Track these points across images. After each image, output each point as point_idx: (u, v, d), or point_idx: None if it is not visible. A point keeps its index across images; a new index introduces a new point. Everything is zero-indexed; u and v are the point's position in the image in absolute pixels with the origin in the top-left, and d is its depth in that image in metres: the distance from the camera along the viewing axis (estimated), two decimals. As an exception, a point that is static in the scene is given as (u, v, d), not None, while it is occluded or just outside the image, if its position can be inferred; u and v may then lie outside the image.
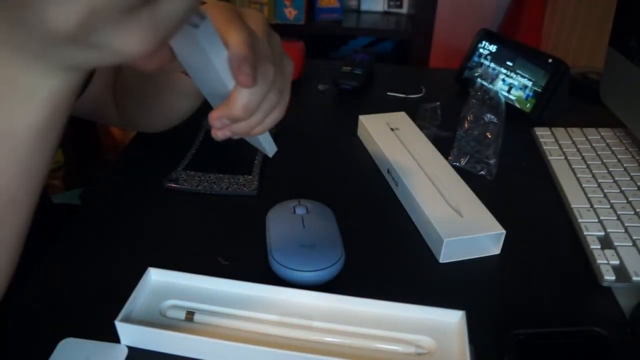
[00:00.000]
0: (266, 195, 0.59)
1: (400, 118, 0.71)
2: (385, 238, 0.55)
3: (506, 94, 0.78)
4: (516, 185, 0.64)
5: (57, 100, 0.30)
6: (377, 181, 0.64)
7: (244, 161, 0.64)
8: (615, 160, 0.65)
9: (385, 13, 1.69)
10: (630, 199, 0.58)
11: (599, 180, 0.61)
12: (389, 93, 0.86)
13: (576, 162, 0.65)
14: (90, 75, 0.55)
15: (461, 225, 0.52)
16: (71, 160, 1.48)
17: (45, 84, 0.29)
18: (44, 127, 0.30)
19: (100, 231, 0.54)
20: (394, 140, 0.66)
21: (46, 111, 0.29)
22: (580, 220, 0.55)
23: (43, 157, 0.31)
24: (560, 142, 0.69)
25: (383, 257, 0.52)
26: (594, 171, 0.63)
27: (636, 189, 0.60)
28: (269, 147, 0.48)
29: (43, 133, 0.30)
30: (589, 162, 0.65)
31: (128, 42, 0.25)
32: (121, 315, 0.41)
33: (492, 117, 0.63)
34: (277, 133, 0.72)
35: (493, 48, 0.81)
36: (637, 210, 0.56)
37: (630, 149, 0.68)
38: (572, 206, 0.57)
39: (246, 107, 0.36)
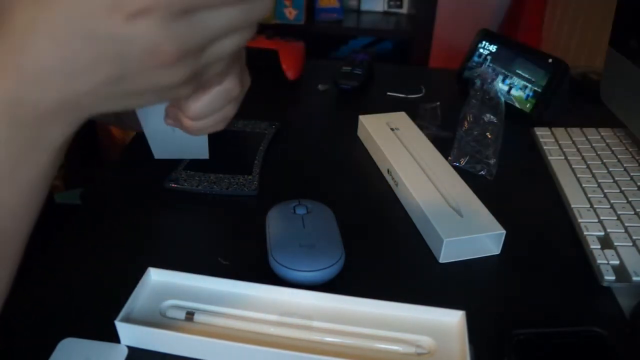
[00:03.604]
0: (266, 195, 0.59)
1: (400, 118, 0.71)
2: (385, 238, 0.55)
3: (506, 94, 0.78)
4: (516, 185, 0.64)
5: (63, 147, 0.30)
6: (377, 181, 0.64)
7: (244, 161, 0.64)
8: (615, 160, 0.65)
9: (385, 13, 1.69)
10: (630, 199, 0.58)
11: (599, 180, 0.61)
12: (389, 93, 0.86)
13: (576, 162, 0.65)
14: None
15: (461, 225, 0.52)
16: (71, 160, 1.48)
17: (64, 134, 0.29)
18: (49, 170, 0.30)
19: (100, 231, 0.54)
20: (394, 140, 0.66)
21: (52, 159, 0.30)
22: (580, 220, 0.55)
23: (41, 196, 0.31)
24: (560, 142, 0.69)
25: (383, 257, 0.52)
26: (594, 171, 0.63)
27: (636, 189, 0.60)
28: (203, 151, 0.48)
29: (46, 175, 0.30)
30: (589, 162, 0.65)
31: (187, 91, 0.29)
32: (121, 315, 0.41)
33: (492, 117, 0.63)
34: (277, 133, 0.72)
35: (493, 48, 0.81)
36: (637, 210, 0.56)
37: (630, 149, 0.68)
38: (572, 206, 0.57)
39: (198, 115, 0.36)
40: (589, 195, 0.59)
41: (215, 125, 0.38)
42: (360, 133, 0.72)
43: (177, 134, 0.44)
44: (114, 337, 0.41)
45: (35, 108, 0.26)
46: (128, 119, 0.64)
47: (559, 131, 0.72)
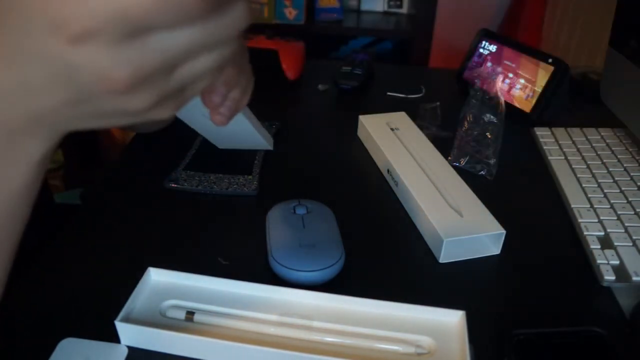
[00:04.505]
0: (266, 195, 0.59)
1: (400, 118, 0.71)
2: (385, 238, 0.55)
3: (506, 94, 0.78)
4: (516, 186, 0.64)
5: (44, 160, 0.29)
6: (377, 181, 0.64)
7: (244, 161, 0.64)
8: (615, 160, 0.65)
9: (385, 13, 1.69)
10: (630, 199, 0.58)
11: (599, 180, 0.61)
12: (389, 93, 0.86)
13: (576, 162, 0.65)
14: None
15: (461, 225, 0.52)
16: (71, 160, 1.48)
17: (41, 148, 0.28)
18: (30, 184, 0.30)
19: (100, 231, 0.54)
20: (394, 140, 0.66)
21: (33, 172, 0.29)
22: (580, 220, 0.55)
23: (25, 209, 0.31)
24: (560, 142, 0.69)
25: (383, 257, 0.52)
26: (594, 171, 0.63)
27: (636, 189, 0.60)
28: (266, 139, 0.48)
29: (28, 190, 0.30)
30: (589, 162, 0.65)
31: (166, 112, 0.27)
32: (121, 315, 0.41)
33: (492, 117, 0.63)
34: (277, 132, 0.72)
35: (493, 48, 0.81)
36: (637, 210, 0.56)
37: (630, 149, 0.68)
38: (572, 206, 0.57)
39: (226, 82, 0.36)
40: (589, 195, 0.59)
41: (235, 104, 0.38)
42: (360, 133, 0.72)
43: (222, 129, 0.44)
44: (114, 337, 0.41)
45: (3, 123, 0.26)
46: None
47: (559, 131, 0.72)
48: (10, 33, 0.23)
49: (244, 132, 0.46)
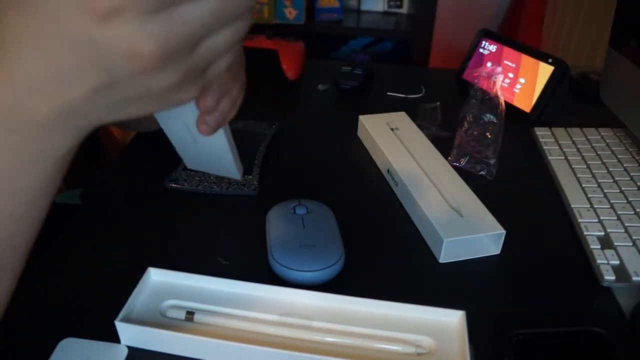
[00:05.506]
0: (266, 195, 0.59)
1: (400, 118, 0.71)
2: (385, 238, 0.55)
3: (506, 94, 0.78)
4: (516, 185, 0.64)
5: (66, 158, 0.30)
6: (377, 181, 0.64)
7: (244, 161, 0.64)
8: (615, 160, 0.65)
9: (385, 13, 1.69)
10: (630, 199, 0.58)
11: (599, 180, 0.61)
12: (389, 93, 0.86)
13: (576, 162, 0.65)
14: None
15: (461, 225, 0.52)
16: (71, 160, 1.48)
17: (65, 145, 0.29)
18: (51, 180, 0.30)
19: (100, 231, 0.54)
20: (394, 140, 0.66)
21: (54, 170, 0.30)
22: (580, 220, 0.55)
23: (44, 205, 0.31)
24: (560, 142, 0.69)
25: (383, 257, 0.52)
26: (594, 171, 0.63)
27: (636, 189, 0.60)
28: (238, 168, 0.48)
29: (49, 186, 0.30)
30: (589, 162, 0.65)
31: (189, 94, 0.28)
32: (121, 315, 0.41)
33: (492, 117, 0.63)
34: (277, 133, 0.72)
35: (493, 48, 0.81)
36: (637, 210, 0.56)
37: (630, 149, 0.68)
38: (572, 206, 0.57)
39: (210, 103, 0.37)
40: (589, 195, 0.59)
41: (223, 115, 0.38)
42: (360, 133, 0.72)
43: (199, 146, 0.44)
44: (114, 337, 0.41)
45: (31, 117, 0.26)
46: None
47: (559, 131, 0.72)
48: (41, 21, 0.24)
49: (219, 156, 0.45)
